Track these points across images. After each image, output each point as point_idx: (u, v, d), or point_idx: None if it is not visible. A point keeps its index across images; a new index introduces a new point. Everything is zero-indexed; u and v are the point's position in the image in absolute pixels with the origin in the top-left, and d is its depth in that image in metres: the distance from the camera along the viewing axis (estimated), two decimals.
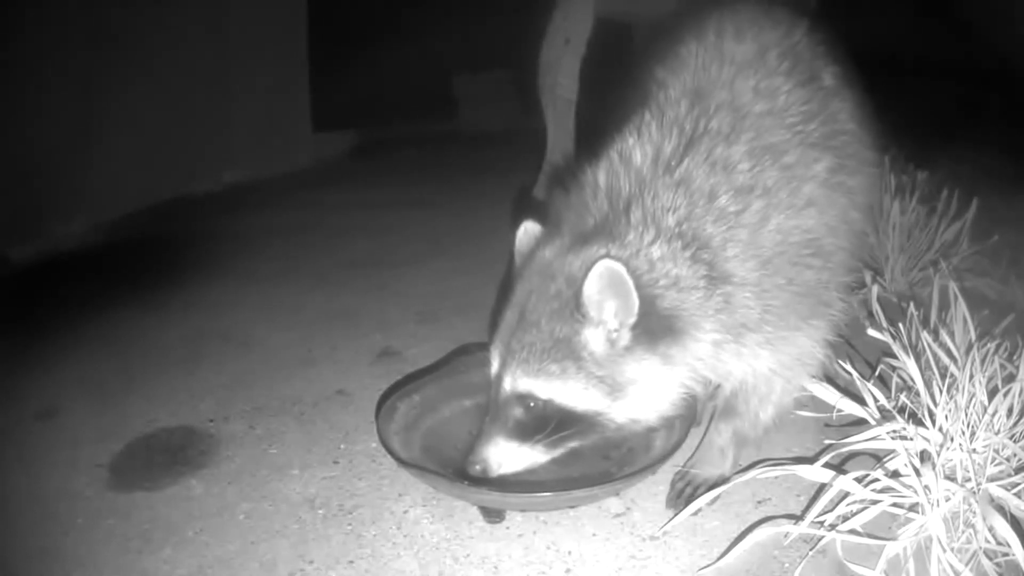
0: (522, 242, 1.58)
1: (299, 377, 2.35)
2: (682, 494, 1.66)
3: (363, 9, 5.61)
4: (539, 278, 1.46)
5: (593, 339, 1.40)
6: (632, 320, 1.36)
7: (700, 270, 1.38)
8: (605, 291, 1.35)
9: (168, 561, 1.58)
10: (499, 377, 1.48)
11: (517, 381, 1.44)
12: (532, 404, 1.44)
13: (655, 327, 1.38)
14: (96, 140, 3.94)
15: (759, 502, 1.66)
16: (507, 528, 1.61)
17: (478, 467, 1.48)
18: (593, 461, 1.70)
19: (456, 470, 1.57)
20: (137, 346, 2.64)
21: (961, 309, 1.84)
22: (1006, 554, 1.34)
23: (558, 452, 1.49)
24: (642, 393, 1.42)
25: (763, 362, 1.51)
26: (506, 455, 1.48)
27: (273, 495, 1.78)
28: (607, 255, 1.35)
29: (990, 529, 1.37)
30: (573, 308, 1.39)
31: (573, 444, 1.48)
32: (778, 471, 1.61)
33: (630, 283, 1.33)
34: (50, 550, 1.64)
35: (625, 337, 1.38)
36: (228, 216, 4.22)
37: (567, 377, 1.41)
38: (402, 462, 1.63)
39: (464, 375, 1.92)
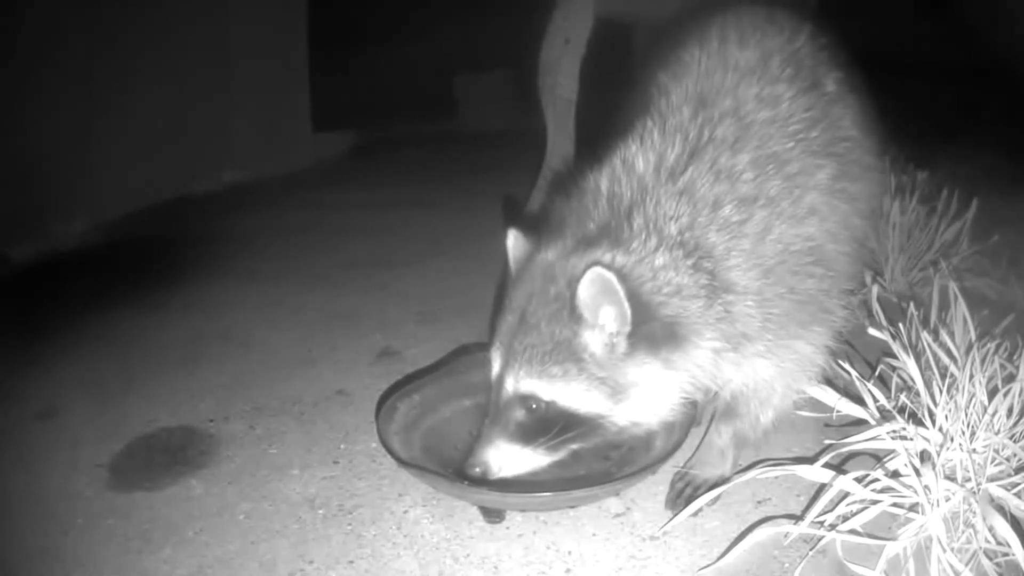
0: (516, 248, 1.58)
1: (299, 377, 2.35)
2: (682, 494, 1.66)
3: (363, 9, 5.61)
4: (540, 281, 1.45)
5: (593, 342, 1.40)
6: (627, 328, 1.36)
7: (702, 279, 1.38)
8: (598, 297, 1.35)
9: (168, 561, 1.58)
10: (501, 378, 1.47)
11: (520, 382, 1.44)
12: (534, 406, 1.44)
13: (658, 333, 1.38)
14: (96, 140, 3.94)
15: (759, 502, 1.66)
16: (507, 528, 1.61)
17: (478, 470, 1.48)
18: (593, 461, 1.70)
19: (456, 470, 1.56)
20: (137, 346, 2.64)
21: (961, 309, 1.84)
22: (1006, 554, 1.34)
23: (559, 455, 1.49)
24: (644, 396, 1.42)
25: (763, 371, 1.52)
26: (506, 458, 1.48)
27: (273, 495, 1.78)
28: (601, 262, 1.35)
29: (990, 529, 1.37)
30: (570, 311, 1.39)
31: (574, 447, 1.48)
32: (778, 471, 1.61)
33: (621, 292, 1.32)
34: (50, 550, 1.64)
35: (623, 344, 1.38)
36: (228, 216, 4.22)
37: (569, 379, 1.41)
38: (402, 462, 1.63)
39: (464, 375, 1.92)
